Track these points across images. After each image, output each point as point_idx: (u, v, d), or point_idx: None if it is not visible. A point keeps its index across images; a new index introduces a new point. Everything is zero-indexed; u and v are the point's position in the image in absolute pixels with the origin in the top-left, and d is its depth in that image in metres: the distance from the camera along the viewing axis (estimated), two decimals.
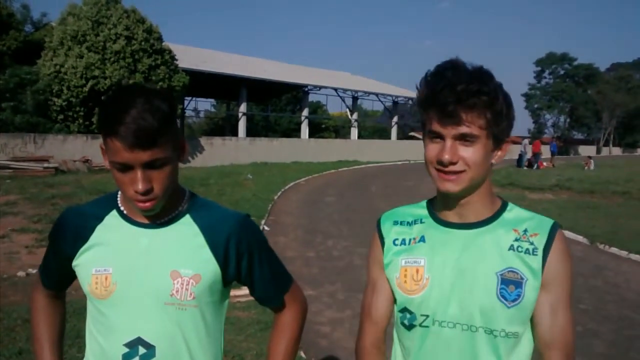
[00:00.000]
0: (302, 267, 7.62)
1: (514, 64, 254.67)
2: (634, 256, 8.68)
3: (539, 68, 73.78)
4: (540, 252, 1.32)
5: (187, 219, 1.46)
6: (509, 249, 1.34)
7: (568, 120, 73.63)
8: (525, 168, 28.18)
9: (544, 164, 30.30)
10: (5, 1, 23.70)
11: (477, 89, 1.23)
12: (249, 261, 1.49)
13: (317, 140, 36.24)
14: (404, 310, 1.41)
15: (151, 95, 1.31)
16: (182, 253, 1.42)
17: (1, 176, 15.01)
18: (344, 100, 39.41)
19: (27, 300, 5.34)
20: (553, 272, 1.32)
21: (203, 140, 26.33)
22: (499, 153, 1.35)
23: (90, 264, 1.44)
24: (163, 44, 22.58)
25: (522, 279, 1.31)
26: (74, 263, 1.47)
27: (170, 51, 22.77)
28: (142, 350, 1.39)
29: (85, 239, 1.45)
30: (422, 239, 1.41)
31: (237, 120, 33.26)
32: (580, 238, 9.98)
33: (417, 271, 1.38)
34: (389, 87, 44.71)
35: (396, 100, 41.70)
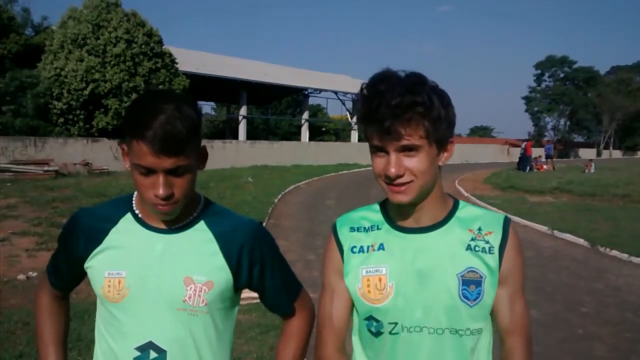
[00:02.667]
0: (303, 270, 7.61)
1: (514, 67, 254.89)
2: (635, 259, 8.66)
3: (539, 71, 73.91)
4: (496, 251, 1.37)
5: (201, 225, 1.47)
6: (467, 249, 1.37)
7: (568, 123, 73.72)
8: (527, 171, 27.96)
9: (544, 166, 30.27)
10: (6, 5, 23.74)
11: (411, 100, 1.23)
12: (261, 269, 1.49)
13: (318, 143, 36.30)
14: (370, 318, 1.41)
15: (181, 102, 1.31)
16: (196, 259, 1.42)
17: (1, 179, 15.01)
18: (344, 104, 39.51)
19: (27, 304, 5.34)
20: (509, 267, 1.37)
21: (203, 144, 26.17)
22: (445, 154, 1.35)
23: (103, 266, 1.43)
24: (163, 47, 22.65)
25: (481, 277, 1.35)
26: (86, 265, 1.47)
27: (170, 54, 22.82)
28: (153, 354, 1.40)
29: (99, 241, 1.45)
30: (381, 247, 1.41)
31: (237, 123, 33.31)
32: (580, 241, 9.97)
33: (380, 280, 1.38)
34: None
35: None
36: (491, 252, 1.36)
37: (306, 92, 36.82)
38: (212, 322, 1.45)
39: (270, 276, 1.52)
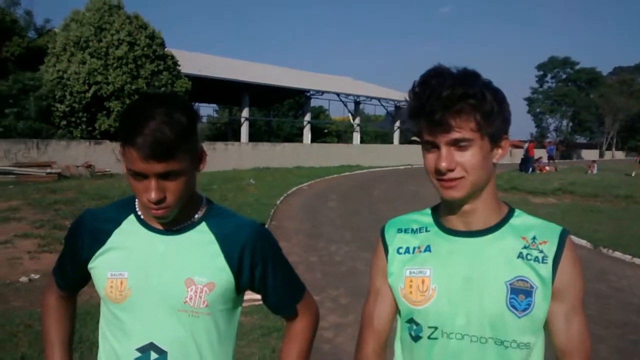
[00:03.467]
0: (305, 272, 7.60)
1: (516, 68, 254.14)
2: (637, 260, 8.65)
3: (541, 72, 73.87)
4: (550, 261, 1.30)
5: (202, 226, 1.47)
6: (518, 257, 1.30)
7: (570, 124, 73.63)
8: (529, 172, 27.83)
9: (547, 168, 30.21)
10: (9, 7, 23.81)
11: (462, 92, 1.21)
12: (262, 270, 1.49)
13: (320, 145, 36.25)
14: (410, 321, 1.38)
15: (172, 106, 1.31)
16: (197, 261, 1.43)
17: (4, 182, 15.03)
18: (346, 105, 39.51)
19: (29, 306, 5.35)
20: (565, 281, 1.30)
21: (205, 146, 25.34)
22: (500, 151, 1.31)
23: (106, 267, 1.45)
24: (165, 49, 22.65)
25: (532, 287, 1.28)
26: (90, 265, 1.48)
27: (172, 57, 22.83)
28: (154, 355, 1.40)
29: (102, 242, 1.47)
30: (428, 249, 1.38)
31: (239, 125, 33.31)
32: (583, 242, 9.95)
33: (423, 282, 1.35)
34: (391, 91, 44.69)
35: (398, 104, 41.63)
36: (544, 261, 1.30)
37: (308, 94, 36.80)
38: (213, 323, 1.45)
39: (272, 277, 1.51)
